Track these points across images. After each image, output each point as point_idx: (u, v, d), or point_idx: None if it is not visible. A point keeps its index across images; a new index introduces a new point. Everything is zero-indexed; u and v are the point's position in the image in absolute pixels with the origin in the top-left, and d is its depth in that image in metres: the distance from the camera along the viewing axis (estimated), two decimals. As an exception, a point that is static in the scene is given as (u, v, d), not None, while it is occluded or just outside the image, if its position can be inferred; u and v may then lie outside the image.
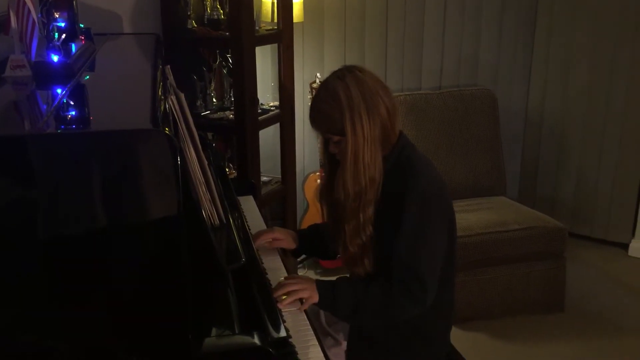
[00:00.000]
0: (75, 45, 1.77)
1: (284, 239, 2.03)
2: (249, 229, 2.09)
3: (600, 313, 3.21)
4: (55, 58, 1.53)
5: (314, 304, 1.72)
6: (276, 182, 3.24)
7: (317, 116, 1.76)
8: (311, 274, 3.53)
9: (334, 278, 1.75)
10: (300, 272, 3.48)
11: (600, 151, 3.83)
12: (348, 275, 1.85)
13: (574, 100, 3.84)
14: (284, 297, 1.67)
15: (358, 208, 1.73)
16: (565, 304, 3.20)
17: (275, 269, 1.91)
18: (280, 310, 1.63)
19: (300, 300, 1.69)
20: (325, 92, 1.73)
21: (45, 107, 1.40)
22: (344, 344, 1.88)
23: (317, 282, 1.74)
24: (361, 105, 1.67)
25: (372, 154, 1.70)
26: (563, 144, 3.94)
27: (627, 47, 3.62)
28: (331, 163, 1.83)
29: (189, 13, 2.89)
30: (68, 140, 1.15)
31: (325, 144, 1.79)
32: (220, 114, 2.96)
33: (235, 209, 2.07)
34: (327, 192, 1.87)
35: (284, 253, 2.10)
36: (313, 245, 2.07)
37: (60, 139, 1.15)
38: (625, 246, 3.85)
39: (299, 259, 3.45)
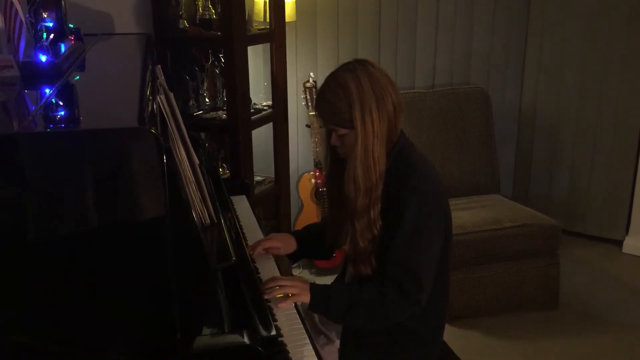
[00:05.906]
0: (64, 45, 1.76)
1: (282, 246, 2.00)
2: (241, 229, 2.09)
3: (594, 310, 3.21)
4: (43, 58, 1.52)
5: (309, 309, 1.71)
6: (269, 182, 3.23)
7: (324, 106, 1.73)
8: (306, 274, 3.53)
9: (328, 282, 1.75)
10: (295, 272, 3.47)
11: (593, 148, 3.84)
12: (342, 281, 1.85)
13: (567, 98, 3.85)
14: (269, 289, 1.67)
15: (369, 204, 1.71)
16: (559, 301, 3.21)
17: (267, 268, 1.91)
18: (271, 309, 1.62)
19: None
20: (334, 83, 1.70)
21: (33, 106, 1.40)
22: (337, 343, 1.88)
23: (312, 284, 1.72)
24: (372, 99, 1.67)
25: (381, 149, 1.69)
26: (556, 142, 3.94)
27: (619, 44, 3.63)
28: (333, 158, 1.82)
29: (180, 13, 2.88)
30: (54, 138, 1.15)
31: (328, 136, 1.77)
32: (212, 114, 2.96)
33: (227, 208, 2.07)
34: (331, 187, 1.86)
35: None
36: (311, 247, 2.06)
37: (46, 137, 1.15)
38: (619, 243, 3.86)
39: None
